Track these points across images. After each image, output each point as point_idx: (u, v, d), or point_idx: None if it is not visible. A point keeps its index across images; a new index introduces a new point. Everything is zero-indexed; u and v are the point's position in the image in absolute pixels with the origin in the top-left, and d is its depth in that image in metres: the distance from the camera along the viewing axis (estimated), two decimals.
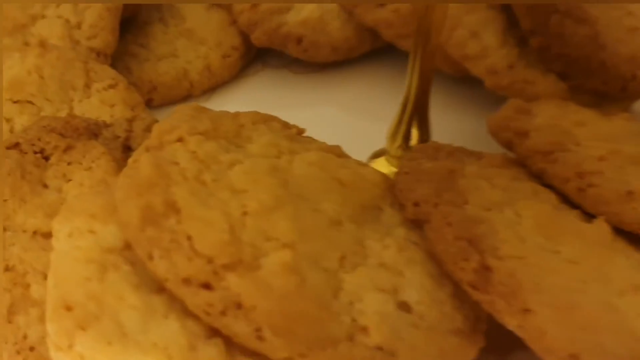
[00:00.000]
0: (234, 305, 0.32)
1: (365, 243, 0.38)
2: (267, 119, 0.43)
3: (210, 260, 0.33)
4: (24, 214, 0.40)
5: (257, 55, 0.64)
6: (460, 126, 0.57)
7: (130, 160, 0.37)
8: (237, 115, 0.42)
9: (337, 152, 0.44)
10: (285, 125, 0.43)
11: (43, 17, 0.53)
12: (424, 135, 0.52)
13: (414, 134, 0.52)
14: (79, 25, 0.53)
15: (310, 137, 0.45)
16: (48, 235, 0.39)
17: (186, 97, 0.60)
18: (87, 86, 0.49)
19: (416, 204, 0.40)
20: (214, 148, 0.38)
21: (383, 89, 0.63)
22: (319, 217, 0.37)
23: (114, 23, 0.54)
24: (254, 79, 0.63)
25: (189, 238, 0.33)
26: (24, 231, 0.39)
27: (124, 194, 0.35)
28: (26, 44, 0.51)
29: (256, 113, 0.43)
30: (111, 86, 0.49)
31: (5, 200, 0.40)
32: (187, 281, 0.33)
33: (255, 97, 0.62)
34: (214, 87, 0.61)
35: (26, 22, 0.52)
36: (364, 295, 0.35)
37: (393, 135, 0.52)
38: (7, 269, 0.38)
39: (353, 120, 0.61)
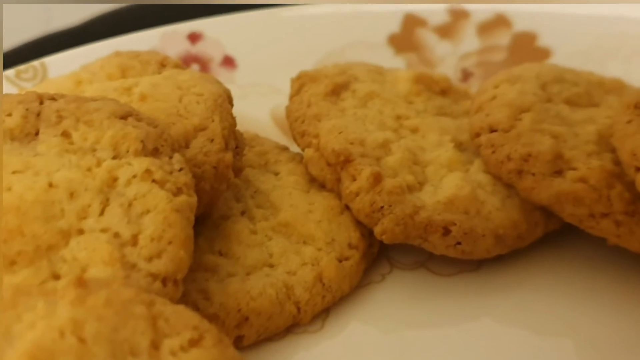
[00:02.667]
0: None
1: None
2: None
3: None
4: None
5: (380, 252, 0.45)
6: None
7: None
8: None
9: None
10: None
11: (80, 232, 0.34)
12: None
13: None
14: (134, 240, 0.34)
15: None
16: None
17: (291, 327, 0.40)
18: (155, 346, 0.29)
19: None
20: None
21: (568, 291, 0.43)
22: None
23: (187, 229, 0.36)
24: (381, 288, 0.44)
25: None
26: None
27: None
28: (55, 276, 0.33)
29: None
30: (193, 342, 0.30)
31: None
32: None
33: (385, 314, 0.42)
34: (329, 307, 0.41)
35: (55, 242, 0.33)
36: None
37: None
38: None
39: (529, 339, 0.41)
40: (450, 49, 0.63)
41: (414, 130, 0.48)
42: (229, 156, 0.41)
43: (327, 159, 0.45)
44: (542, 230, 0.44)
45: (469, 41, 0.63)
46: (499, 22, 0.64)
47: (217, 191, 0.41)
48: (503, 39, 0.63)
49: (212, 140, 0.41)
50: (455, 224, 0.42)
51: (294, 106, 0.50)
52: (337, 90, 0.49)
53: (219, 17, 0.61)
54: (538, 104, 0.46)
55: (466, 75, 0.61)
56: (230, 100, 0.46)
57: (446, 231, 0.42)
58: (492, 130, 0.45)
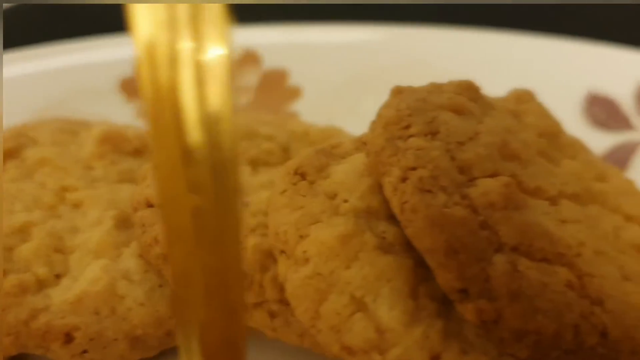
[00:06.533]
0: None
1: None
2: None
3: None
4: None
5: None
6: None
7: None
8: None
9: None
10: None
11: None
12: None
13: None
14: None
15: None
16: None
17: None
18: None
19: None
20: None
21: None
22: None
23: None
24: None
25: None
26: None
27: None
28: None
29: None
30: None
31: None
32: None
33: None
34: None
35: None
36: None
37: None
38: None
39: None
40: None
41: (77, 206, 0.40)
42: None
43: None
44: None
45: None
46: (248, 59, 0.57)
47: None
48: (251, 78, 0.57)
49: None
50: (79, 329, 0.34)
51: None
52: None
53: None
54: None
55: None
56: None
57: (69, 338, 0.34)
58: (149, 206, 0.38)
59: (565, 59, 0.53)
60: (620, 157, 0.49)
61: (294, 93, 0.56)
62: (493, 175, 0.31)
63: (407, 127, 0.32)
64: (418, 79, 0.56)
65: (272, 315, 0.35)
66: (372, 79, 0.56)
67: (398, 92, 0.35)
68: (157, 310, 0.36)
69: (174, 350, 0.36)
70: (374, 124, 0.34)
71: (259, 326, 0.35)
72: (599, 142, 0.50)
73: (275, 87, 0.56)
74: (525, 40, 0.54)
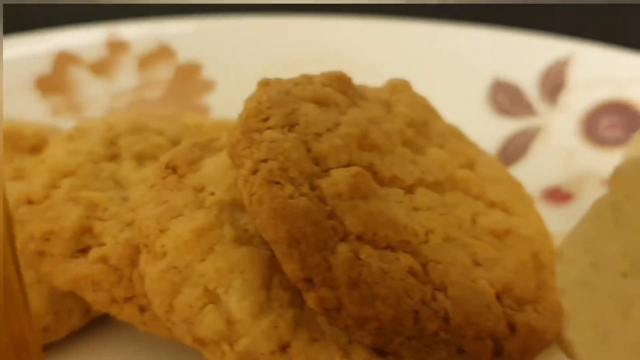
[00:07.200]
0: None
1: None
2: None
3: None
4: None
5: None
6: None
7: None
8: None
9: None
10: None
11: None
12: None
13: None
14: None
15: None
16: None
17: None
18: None
19: None
20: None
21: None
22: None
23: None
24: None
25: None
26: None
27: None
28: None
29: None
30: None
31: None
32: None
33: None
34: None
35: None
36: None
37: None
38: None
39: None
40: (103, 87, 0.56)
41: None
42: None
43: None
44: (80, 319, 0.37)
45: (127, 78, 0.57)
46: (162, 53, 0.57)
47: None
48: (165, 72, 0.57)
49: None
50: None
51: None
52: None
53: None
54: (87, 164, 0.39)
55: None
56: None
57: None
58: (30, 202, 0.38)
59: (471, 46, 0.53)
60: (521, 142, 0.49)
61: (208, 86, 0.56)
62: (348, 165, 0.32)
63: (266, 119, 0.33)
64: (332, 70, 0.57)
65: (142, 309, 0.35)
66: (287, 70, 0.56)
67: (264, 84, 0.35)
68: (34, 306, 0.36)
69: (49, 347, 0.37)
70: (239, 116, 0.34)
71: (130, 320, 0.35)
72: (501, 129, 0.50)
73: (189, 81, 0.56)
74: (432, 28, 0.55)
